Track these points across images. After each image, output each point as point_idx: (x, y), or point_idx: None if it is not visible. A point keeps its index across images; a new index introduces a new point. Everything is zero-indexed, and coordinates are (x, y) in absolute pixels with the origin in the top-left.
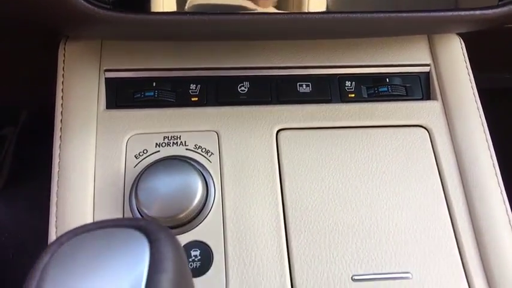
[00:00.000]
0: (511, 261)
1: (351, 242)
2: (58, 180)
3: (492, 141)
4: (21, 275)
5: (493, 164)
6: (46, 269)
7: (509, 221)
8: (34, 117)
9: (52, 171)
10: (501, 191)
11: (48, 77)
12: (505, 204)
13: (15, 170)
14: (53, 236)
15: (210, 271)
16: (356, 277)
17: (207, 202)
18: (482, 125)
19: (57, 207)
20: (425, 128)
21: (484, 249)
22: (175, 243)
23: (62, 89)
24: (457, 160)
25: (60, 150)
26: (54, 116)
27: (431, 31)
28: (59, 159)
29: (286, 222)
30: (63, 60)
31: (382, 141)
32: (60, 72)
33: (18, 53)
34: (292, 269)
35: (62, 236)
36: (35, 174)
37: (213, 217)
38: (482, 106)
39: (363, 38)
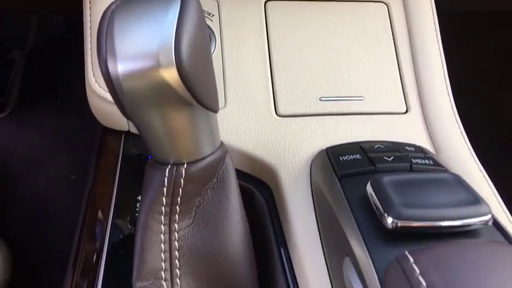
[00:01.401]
0: (439, 90)
1: (320, 76)
2: (90, 39)
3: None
4: (36, 188)
5: (435, 28)
6: (114, 10)
7: (442, 65)
8: (43, 38)
9: (84, 34)
10: (439, 46)
11: None
12: (440, 56)
13: (24, 93)
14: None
15: None
16: (323, 98)
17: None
18: (431, 3)
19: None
20: (385, 4)
21: (420, 81)
22: None
23: None
24: (408, 26)
25: (90, 17)
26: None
27: None
28: (90, 23)
29: (271, 62)
30: None
31: (351, 11)
32: None
33: None
34: (275, 92)
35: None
36: (44, 97)
37: (214, 59)
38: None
39: None
